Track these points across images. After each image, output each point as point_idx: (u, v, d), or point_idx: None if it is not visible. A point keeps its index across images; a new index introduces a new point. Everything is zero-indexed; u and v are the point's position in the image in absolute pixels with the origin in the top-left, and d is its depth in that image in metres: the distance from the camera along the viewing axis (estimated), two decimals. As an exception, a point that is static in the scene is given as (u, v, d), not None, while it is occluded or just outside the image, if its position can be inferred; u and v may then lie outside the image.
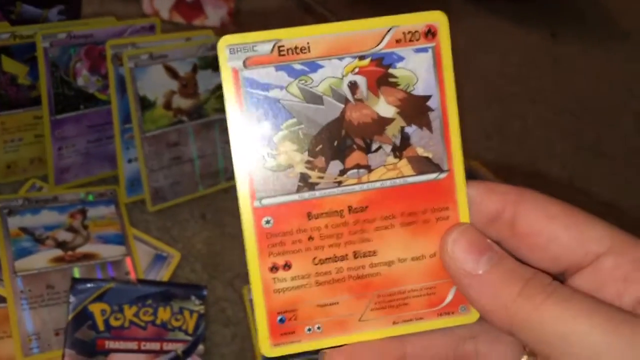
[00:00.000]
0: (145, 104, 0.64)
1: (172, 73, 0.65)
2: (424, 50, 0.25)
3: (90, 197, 0.62)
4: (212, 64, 0.67)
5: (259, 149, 0.24)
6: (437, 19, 0.25)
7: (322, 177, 0.24)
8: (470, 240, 0.24)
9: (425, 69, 0.25)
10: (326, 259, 0.25)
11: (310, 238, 0.25)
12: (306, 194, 0.24)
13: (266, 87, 0.24)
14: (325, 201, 0.25)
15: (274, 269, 0.25)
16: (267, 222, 0.24)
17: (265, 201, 0.24)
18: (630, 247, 0.23)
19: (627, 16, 1.12)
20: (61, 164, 0.63)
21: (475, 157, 0.74)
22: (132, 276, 0.59)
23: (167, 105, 0.65)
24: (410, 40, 0.25)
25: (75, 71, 0.62)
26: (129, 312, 0.55)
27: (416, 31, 0.25)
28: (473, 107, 0.88)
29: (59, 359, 0.52)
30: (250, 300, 0.59)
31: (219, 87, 0.68)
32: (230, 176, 0.69)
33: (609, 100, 0.97)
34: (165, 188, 0.65)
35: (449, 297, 0.26)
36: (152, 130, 0.64)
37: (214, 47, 0.67)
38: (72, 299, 0.54)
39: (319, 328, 0.25)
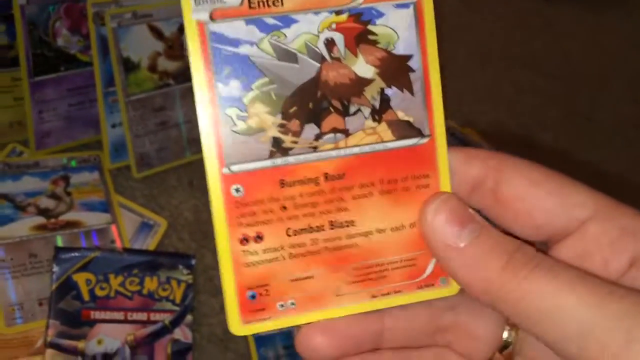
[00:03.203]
0: (129, 66, 0.61)
1: (157, 33, 0.63)
2: (405, 6, 0.23)
3: (73, 163, 0.60)
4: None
5: (227, 110, 0.22)
6: None
7: (296, 142, 0.23)
8: (451, 211, 0.23)
9: (406, 27, 0.24)
10: (300, 229, 0.23)
11: (284, 207, 0.23)
12: (279, 160, 0.23)
13: (235, 42, 0.22)
14: (299, 168, 0.23)
15: (244, 240, 0.23)
16: (237, 190, 0.22)
17: (235, 167, 0.22)
18: (615, 212, 0.22)
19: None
20: (42, 128, 0.61)
21: (467, 122, 0.73)
22: (118, 245, 0.58)
23: (152, 68, 0.63)
24: None
25: (55, 30, 0.59)
26: (115, 281, 0.54)
27: None
28: (465, 70, 0.86)
29: (42, 329, 0.51)
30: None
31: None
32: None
33: (601, 66, 0.96)
34: (151, 154, 0.63)
35: (429, 269, 0.25)
36: (136, 93, 0.62)
37: (200, 7, 0.65)
38: (55, 268, 0.53)
39: (292, 304, 0.23)
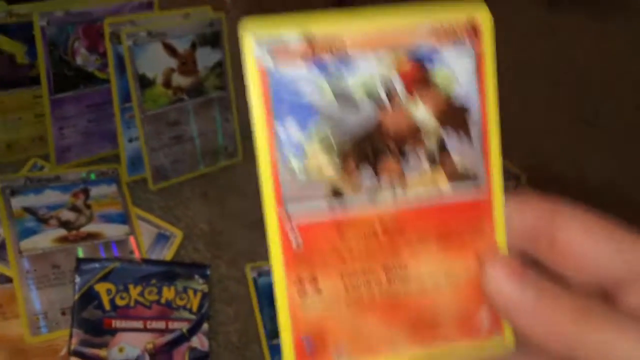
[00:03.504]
0: (145, 83, 0.63)
1: (171, 50, 0.65)
2: (466, 49, 0.23)
3: (92, 176, 0.62)
4: (211, 40, 0.67)
5: (286, 154, 0.22)
6: (480, 12, 0.23)
7: (353, 189, 0.23)
8: (511, 270, 0.23)
9: (466, 72, 0.23)
10: (356, 277, 0.23)
11: (340, 255, 0.23)
12: (336, 205, 0.23)
13: (293, 82, 0.22)
14: (357, 215, 0.23)
15: (297, 284, 0.23)
16: (293, 235, 0.23)
17: (291, 208, 0.23)
18: None
19: (625, -14, 1.11)
20: (62, 143, 0.63)
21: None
22: (136, 255, 0.60)
23: (167, 84, 0.65)
24: (453, 36, 0.23)
25: (74, 50, 0.62)
26: (134, 291, 0.56)
27: (458, 28, 0.23)
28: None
29: (66, 338, 0.54)
30: (254, 279, 0.60)
31: (218, 64, 0.67)
32: (231, 154, 0.69)
33: (605, 72, 0.97)
34: (166, 166, 0.66)
35: (485, 324, 0.25)
36: (152, 109, 0.64)
37: (212, 24, 0.67)
38: (77, 279, 0.55)
39: (347, 354, 0.24)
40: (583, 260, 0.24)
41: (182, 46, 0.65)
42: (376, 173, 0.23)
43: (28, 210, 0.58)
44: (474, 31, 0.23)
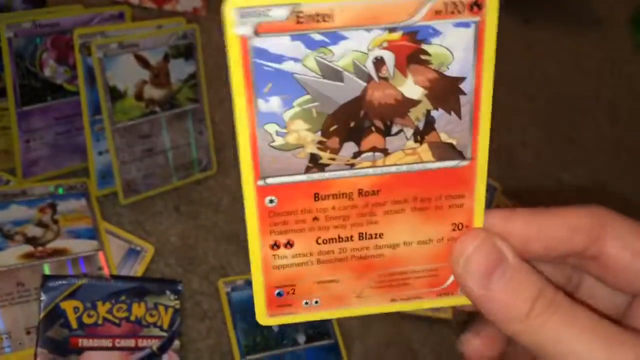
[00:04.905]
0: (116, 95, 0.62)
1: (143, 62, 0.64)
2: (466, 25, 0.22)
3: (60, 191, 0.60)
4: (184, 52, 0.66)
5: (266, 126, 0.22)
6: None
7: (333, 159, 0.23)
8: (484, 256, 0.23)
9: (464, 47, 0.22)
10: (330, 239, 0.24)
11: (315, 219, 0.24)
12: (315, 175, 0.23)
13: (279, 58, 0.21)
14: (334, 183, 0.23)
15: (275, 246, 0.24)
16: (271, 201, 0.23)
17: (270, 180, 0.23)
18: None
19: (600, 2, 1.13)
20: (29, 157, 0.61)
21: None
22: (105, 272, 0.58)
23: (139, 96, 0.64)
24: (452, 13, 0.22)
25: (42, 62, 0.60)
26: (103, 308, 0.54)
27: (460, 2, 0.22)
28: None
29: (31, 358, 0.51)
30: (227, 293, 0.59)
31: (192, 76, 0.66)
32: (204, 167, 0.68)
33: (582, 87, 0.98)
34: (137, 180, 0.64)
35: (450, 279, 0.25)
36: (123, 121, 0.63)
37: (185, 36, 0.66)
38: (43, 296, 0.53)
39: (316, 302, 0.25)
40: (627, 278, 0.24)
41: (154, 58, 0.64)
42: (358, 146, 0.23)
43: (-8, 225, 0.56)
44: (477, 5, 0.22)
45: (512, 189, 0.71)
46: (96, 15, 0.63)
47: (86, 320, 0.53)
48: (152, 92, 0.64)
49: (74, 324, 0.53)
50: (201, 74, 0.67)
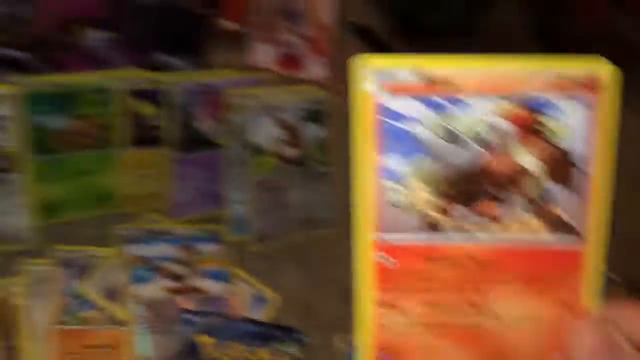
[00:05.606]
0: (255, 151, 0.68)
1: (281, 123, 0.70)
2: (583, 102, 0.22)
3: (200, 234, 0.66)
4: (318, 117, 0.72)
5: (385, 182, 0.23)
6: (602, 70, 0.22)
7: (448, 222, 0.23)
8: (599, 344, 0.23)
9: (581, 124, 0.23)
10: (439, 304, 0.24)
11: (427, 281, 0.24)
12: (429, 236, 0.23)
13: (402, 118, 0.22)
14: (448, 247, 0.23)
15: (383, 304, 0.24)
16: (385, 259, 0.24)
17: (386, 236, 0.23)
18: None
19: None
20: (177, 200, 0.68)
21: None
22: (236, 313, 0.63)
23: (274, 153, 0.70)
24: (570, 88, 0.22)
25: (197, 116, 0.68)
26: (232, 347, 0.58)
27: (577, 80, 0.22)
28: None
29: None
30: (343, 349, 0.62)
31: (322, 140, 0.72)
32: (330, 224, 0.72)
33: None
34: (267, 231, 0.69)
35: None
36: (259, 175, 0.68)
37: (319, 102, 0.72)
38: (180, 329, 0.58)
39: None
40: None
41: (290, 120, 0.70)
42: (473, 212, 0.23)
43: (142, 259, 0.62)
44: (592, 86, 0.22)
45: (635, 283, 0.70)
46: (244, 79, 0.71)
47: (217, 356, 0.58)
48: (286, 151, 0.70)
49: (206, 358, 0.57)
50: (331, 138, 0.72)
